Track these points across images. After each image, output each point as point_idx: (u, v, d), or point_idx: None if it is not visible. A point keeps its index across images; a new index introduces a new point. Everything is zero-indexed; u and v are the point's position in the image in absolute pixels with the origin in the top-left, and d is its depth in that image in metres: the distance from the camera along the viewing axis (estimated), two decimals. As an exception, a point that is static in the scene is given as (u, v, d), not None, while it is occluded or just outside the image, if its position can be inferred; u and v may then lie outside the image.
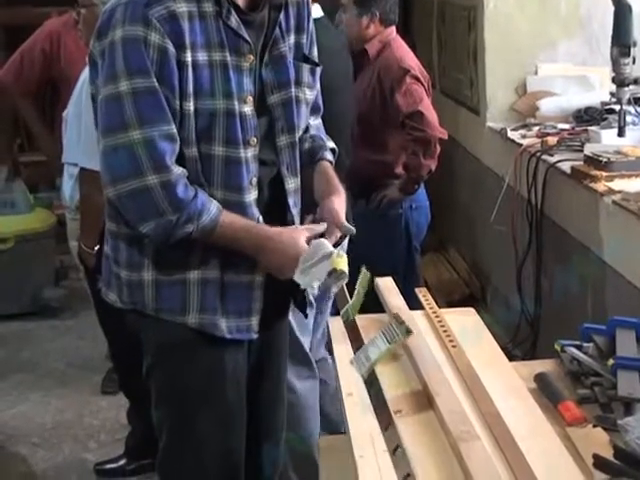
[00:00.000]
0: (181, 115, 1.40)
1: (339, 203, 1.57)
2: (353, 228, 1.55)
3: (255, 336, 1.55)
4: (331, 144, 1.70)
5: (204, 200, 1.43)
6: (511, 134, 2.98)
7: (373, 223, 2.73)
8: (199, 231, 1.43)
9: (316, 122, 1.70)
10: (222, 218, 1.44)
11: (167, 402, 1.56)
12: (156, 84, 1.38)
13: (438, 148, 2.71)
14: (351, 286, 1.53)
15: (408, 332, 1.33)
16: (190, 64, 1.39)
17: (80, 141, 2.27)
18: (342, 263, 1.44)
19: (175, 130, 1.40)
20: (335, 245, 1.51)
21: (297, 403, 2.13)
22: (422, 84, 2.70)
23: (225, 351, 1.53)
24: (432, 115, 2.69)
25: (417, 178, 2.74)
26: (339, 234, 1.54)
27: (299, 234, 1.48)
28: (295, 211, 1.59)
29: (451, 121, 3.91)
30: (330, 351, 1.90)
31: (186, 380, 1.53)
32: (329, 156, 1.67)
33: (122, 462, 2.58)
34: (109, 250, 1.56)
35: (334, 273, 1.43)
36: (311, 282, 1.43)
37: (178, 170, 1.41)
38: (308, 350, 2.18)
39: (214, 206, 1.44)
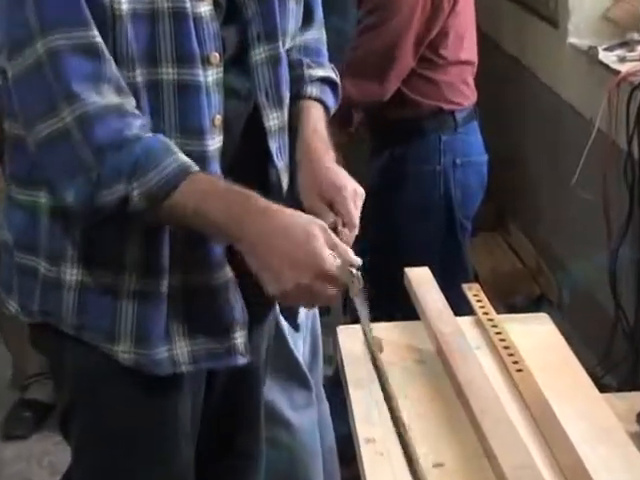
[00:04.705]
0: (113, 19, 1.36)
1: (321, 167, 1.55)
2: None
3: (243, 360, 1.55)
4: (323, 71, 1.67)
5: (152, 147, 1.37)
6: (604, 55, 2.97)
7: (398, 186, 2.73)
8: (141, 198, 1.36)
9: (304, 37, 1.68)
10: (188, 180, 1.37)
11: (92, 456, 1.57)
12: None
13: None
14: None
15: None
16: None
17: None
18: None
19: (98, 38, 1.35)
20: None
21: (293, 444, 2.16)
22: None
23: (178, 388, 1.54)
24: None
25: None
26: (353, 199, 1.52)
27: (311, 220, 1.39)
28: (281, 163, 1.57)
29: (516, 36, 3.91)
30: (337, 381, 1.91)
31: (121, 428, 1.53)
32: (313, 91, 1.64)
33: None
34: (12, 233, 1.54)
35: None
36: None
37: (103, 99, 1.35)
38: (305, 366, 2.20)
39: (173, 160, 1.37)
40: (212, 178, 1.43)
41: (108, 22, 1.37)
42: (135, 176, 1.36)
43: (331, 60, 1.72)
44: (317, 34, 1.71)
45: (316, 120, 1.62)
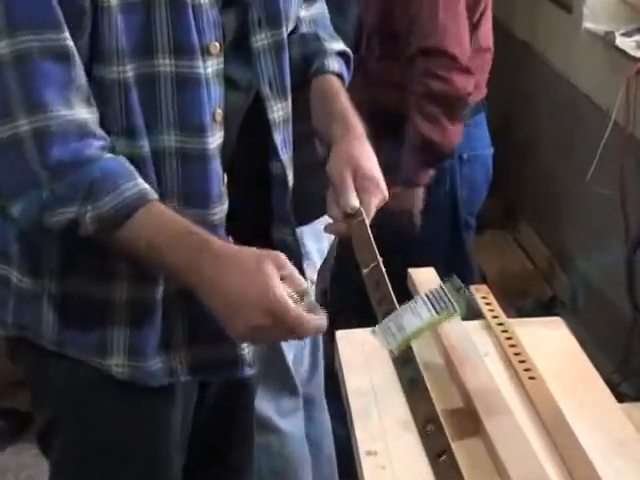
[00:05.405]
0: (96, 12, 1.34)
1: (362, 149, 1.54)
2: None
3: (250, 372, 1.56)
4: (339, 45, 1.69)
5: (110, 169, 1.34)
6: (621, 41, 2.98)
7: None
8: (93, 222, 1.32)
9: (311, 11, 1.69)
10: (146, 209, 1.33)
11: (79, 471, 1.57)
12: None
13: (465, 109, 2.70)
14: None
15: (467, 303, 1.33)
16: None
17: None
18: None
19: (70, 41, 1.33)
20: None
21: (283, 451, 2.20)
22: None
23: (170, 398, 1.54)
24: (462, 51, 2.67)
25: (437, 153, 2.71)
26: (379, 198, 1.51)
27: (264, 259, 1.31)
28: (285, 157, 1.58)
29: (528, 21, 3.91)
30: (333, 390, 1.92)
31: (112, 442, 1.53)
32: (334, 65, 1.65)
33: None
34: None
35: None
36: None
37: (70, 111, 1.33)
38: (291, 367, 2.22)
39: (133, 185, 1.34)
40: (170, 212, 1.38)
41: (86, 18, 1.34)
42: (90, 199, 1.32)
43: None
44: (321, 7, 1.73)
45: (345, 95, 1.63)
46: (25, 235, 1.46)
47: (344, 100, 1.61)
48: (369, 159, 1.54)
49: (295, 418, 2.25)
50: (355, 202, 1.49)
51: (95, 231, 1.33)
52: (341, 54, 1.68)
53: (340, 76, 1.66)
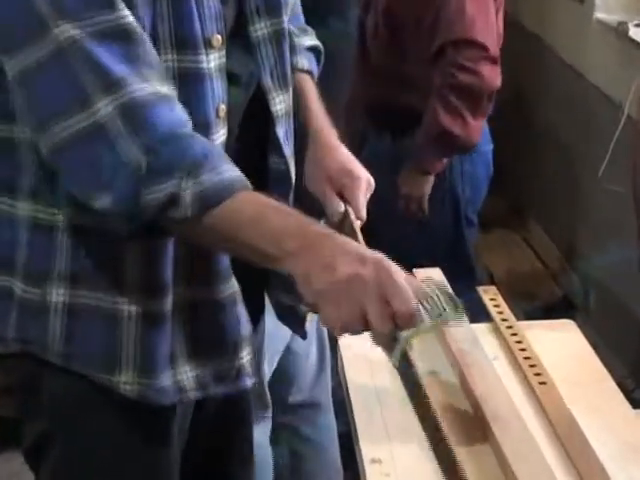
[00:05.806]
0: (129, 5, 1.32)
1: (329, 150, 1.56)
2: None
3: (250, 382, 1.55)
4: (310, 40, 1.69)
5: (210, 148, 1.33)
6: (635, 32, 2.97)
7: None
8: (194, 199, 1.29)
9: None
10: (246, 192, 1.31)
11: None
12: None
13: (490, 104, 2.72)
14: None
15: (458, 310, 1.31)
16: None
17: None
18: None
19: (129, 18, 1.31)
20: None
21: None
22: None
23: (173, 410, 1.53)
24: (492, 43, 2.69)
25: (455, 146, 2.73)
26: (363, 186, 1.53)
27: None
28: (288, 150, 1.57)
29: (536, 11, 3.91)
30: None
31: (113, 458, 1.52)
32: (304, 62, 1.66)
33: None
34: None
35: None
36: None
37: (149, 86, 1.31)
38: (265, 381, 2.23)
39: (231, 168, 1.33)
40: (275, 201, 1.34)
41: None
42: (192, 174, 1.30)
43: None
44: None
45: (314, 95, 1.65)
46: (35, 242, 1.43)
47: (310, 99, 1.63)
48: (340, 155, 1.57)
49: (263, 425, 2.22)
50: (338, 208, 1.52)
51: (193, 211, 1.30)
52: (311, 49, 1.69)
53: (310, 72, 1.67)
